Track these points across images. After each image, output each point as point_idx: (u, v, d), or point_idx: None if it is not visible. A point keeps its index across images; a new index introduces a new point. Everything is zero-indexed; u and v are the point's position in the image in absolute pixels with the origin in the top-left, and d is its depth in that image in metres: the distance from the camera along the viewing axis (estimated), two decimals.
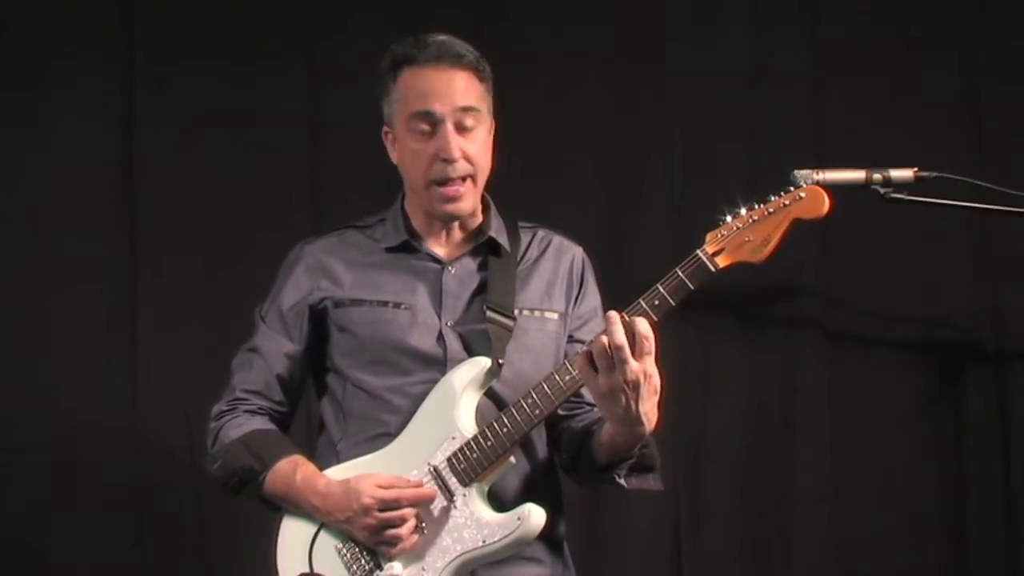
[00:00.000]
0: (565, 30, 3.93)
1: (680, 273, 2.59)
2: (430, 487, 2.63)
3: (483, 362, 2.67)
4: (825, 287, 3.89)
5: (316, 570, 2.68)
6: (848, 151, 3.77)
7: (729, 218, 2.63)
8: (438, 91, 2.71)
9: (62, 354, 3.76)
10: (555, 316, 2.81)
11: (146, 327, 3.79)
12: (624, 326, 2.47)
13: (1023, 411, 3.80)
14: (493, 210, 2.85)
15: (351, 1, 3.92)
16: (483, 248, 2.82)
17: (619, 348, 2.45)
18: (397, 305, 2.76)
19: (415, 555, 2.63)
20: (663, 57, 3.94)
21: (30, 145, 3.79)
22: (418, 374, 2.72)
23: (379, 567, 2.64)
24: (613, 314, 2.49)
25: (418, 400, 2.69)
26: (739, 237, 2.62)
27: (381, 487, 2.61)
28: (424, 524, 2.63)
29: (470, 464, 2.62)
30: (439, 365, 2.71)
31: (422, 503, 2.62)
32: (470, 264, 2.81)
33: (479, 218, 2.84)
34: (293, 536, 2.72)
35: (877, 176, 3.04)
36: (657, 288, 2.58)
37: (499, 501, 2.65)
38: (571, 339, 2.82)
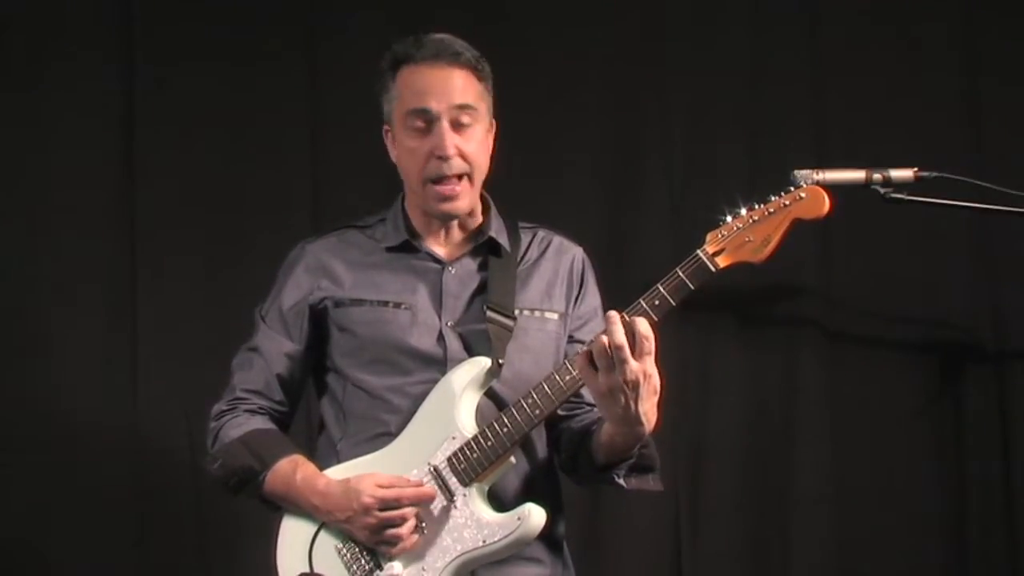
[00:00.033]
0: (565, 30, 3.93)
1: (680, 273, 2.59)
2: (430, 487, 2.63)
3: (483, 362, 2.68)
4: (825, 287, 3.89)
5: (316, 570, 2.68)
6: (848, 151, 3.77)
7: (729, 218, 2.63)
8: (435, 89, 2.71)
9: (62, 354, 3.77)
10: (555, 316, 2.81)
11: (146, 327, 3.79)
12: (624, 326, 2.47)
13: (1023, 411, 3.80)
14: (493, 210, 2.86)
15: (351, 1, 3.92)
16: (483, 248, 2.82)
17: (619, 348, 2.45)
18: (397, 305, 2.76)
19: (415, 555, 2.63)
20: (663, 57, 3.94)
21: (30, 145, 3.79)
22: (418, 374, 2.72)
23: (379, 567, 2.64)
24: (613, 314, 2.50)
25: (418, 400, 2.69)
26: (739, 237, 2.62)
27: (381, 486, 2.61)
28: (424, 524, 2.63)
29: (470, 464, 2.62)
30: (439, 365, 2.71)
31: (422, 503, 2.62)
32: (470, 264, 2.81)
33: (479, 218, 2.84)
34: (293, 536, 2.72)
35: (877, 176, 3.04)
36: (657, 288, 2.58)
37: (499, 501, 2.65)
38: (571, 339, 2.83)
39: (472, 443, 2.62)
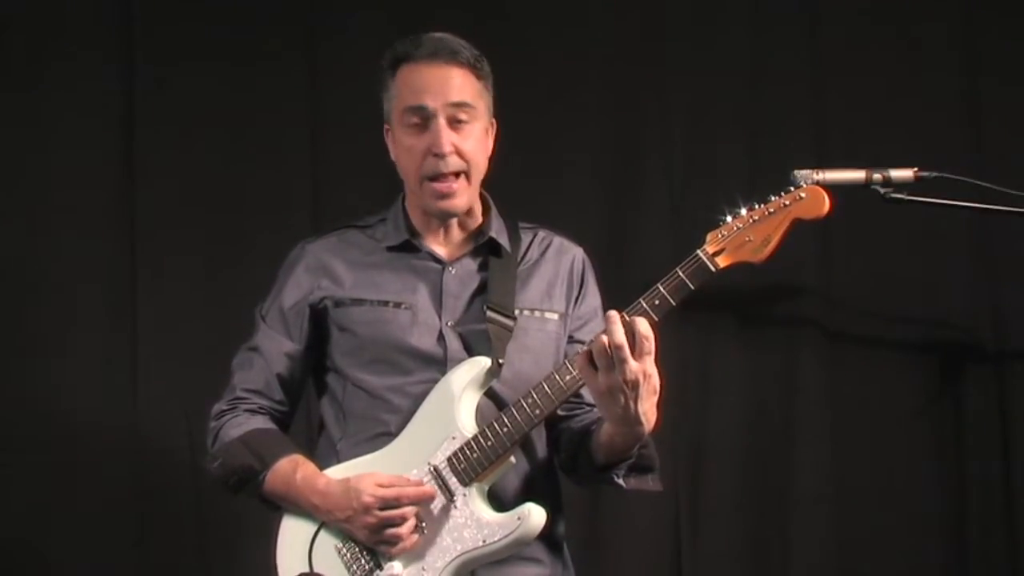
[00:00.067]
0: (565, 30, 3.93)
1: (680, 273, 2.59)
2: (430, 486, 2.63)
3: (483, 362, 2.68)
4: (825, 287, 3.89)
5: (316, 570, 2.68)
6: (848, 151, 3.77)
7: (729, 218, 2.63)
8: (432, 86, 2.71)
9: (62, 354, 3.76)
10: (555, 316, 2.81)
11: (146, 327, 3.79)
12: (624, 326, 2.47)
13: (1023, 411, 3.80)
14: (494, 211, 2.86)
15: (351, 1, 3.92)
16: (484, 248, 2.82)
17: (619, 347, 2.45)
18: (397, 305, 2.76)
19: (415, 555, 2.63)
20: (663, 57, 3.94)
21: (30, 145, 3.79)
22: (418, 374, 2.72)
23: (379, 567, 2.64)
24: (613, 313, 2.50)
25: (418, 400, 2.69)
26: (739, 237, 2.62)
27: (381, 486, 2.61)
28: (424, 524, 2.63)
29: (470, 464, 2.62)
30: (439, 365, 2.71)
31: (422, 502, 2.62)
32: (470, 264, 2.81)
33: (479, 218, 2.84)
34: (293, 535, 2.72)
35: (877, 176, 3.04)
36: (657, 288, 2.58)
37: (499, 501, 2.65)
38: (571, 339, 2.83)
39: (472, 443, 2.62)
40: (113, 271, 3.81)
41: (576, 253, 2.89)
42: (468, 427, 2.64)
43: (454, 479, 2.62)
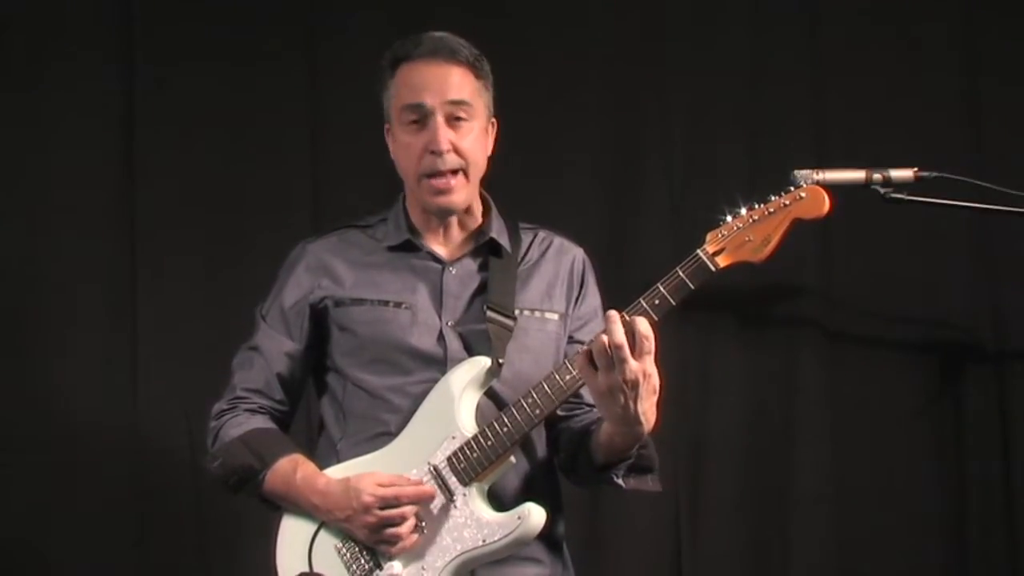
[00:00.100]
0: (565, 30, 3.93)
1: (680, 273, 2.59)
2: (430, 486, 2.63)
3: (483, 362, 2.68)
4: (825, 287, 3.88)
5: (316, 569, 2.68)
6: (848, 151, 3.77)
7: (729, 218, 2.63)
8: (430, 84, 2.72)
9: (62, 354, 3.77)
10: (555, 317, 2.81)
11: (146, 327, 3.79)
12: (624, 325, 2.47)
13: (1023, 411, 3.80)
14: (494, 211, 2.86)
15: (351, 1, 3.92)
16: (484, 249, 2.82)
17: (618, 347, 2.45)
18: (398, 304, 2.76)
19: (415, 554, 2.62)
20: (663, 57, 3.93)
21: (30, 145, 3.79)
22: (418, 374, 2.72)
23: (379, 566, 2.64)
24: (613, 313, 2.50)
25: (418, 400, 2.69)
26: (739, 237, 2.62)
27: (381, 485, 2.61)
28: (424, 523, 2.63)
29: (470, 463, 2.62)
30: (439, 365, 2.71)
31: (422, 501, 2.62)
32: (471, 265, 2.81)
33: (480, 219, 2.84)
34: (293, 535, 2.72)
35: (877, 176, 3.04)
36: (657, 288, 2.58)
37: (499, 500, 2.65)
38: (571, 340, 2.83)
39: (472, 443, 2.62)
40: (113, 271, 3.81)
41: (576, 253, 2.89)
42: (468, 427, 2.64)
43: (454, 479, 2.62)
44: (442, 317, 2.76)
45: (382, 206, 2.91)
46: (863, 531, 3.80)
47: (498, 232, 2.83)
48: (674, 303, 2.58)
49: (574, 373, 2.58)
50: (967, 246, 3.86)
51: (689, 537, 3.83)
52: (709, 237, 2.62)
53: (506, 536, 2.58)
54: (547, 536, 2.68)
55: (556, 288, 2.84)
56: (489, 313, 2.74)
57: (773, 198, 2.64)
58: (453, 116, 2.72)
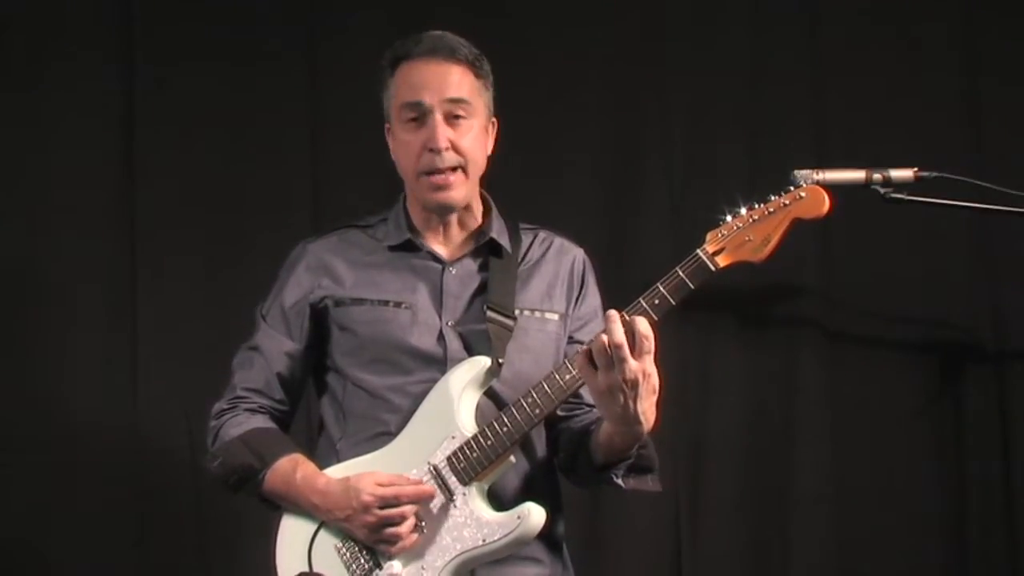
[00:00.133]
0: (565, 30, 3.93)
1: (680, 272, 2.60)
2: (430, 485, 2.63)
3: (483, 361, 2.68)
4: (825, 287, 3.88)
5: (315, 569, 2.68)
6: (848, 151, 3.77)
7: (729, 217, 2.63)
8: (428, 82, 2.72)
9: (62, 354, 3.76)
10: (555, 317, 2.81)
11: (146, 327, 3.79)
12: (624, 325, 2.47)
13: (1023, 411, 3.80)
14: (495, 212, 2.86)
15: (351, 1, 3.92)
16: (484, 249, 2.82)
17: (618, 346, 2.45)
18: (398, 304, 2.76)
19: (414, 554, 2.62)
20: (663, 57, 3.93)
21: (30, 145, 3.79)
22: (418, 373, 2.72)
23: (378, 566, 2.64)
24: (613, 313, 2.50)
25: (418, 399, 2.69)
26: (739, 236, 2.62)
27: (381, 485, 2.61)
28: (424, 523, 2.63)
29: (470, 463, 2.62)
30: (439, 364, 2.72)
31: (422, 501, 2.62)
32: (471, 265, 2.81)
33: (480, 219, 2.84)
34: (292, 535, 2.72)
35: (877, 176, 3.05)
36: (657, 287, 2.58)
37: (499, 500, 2.65)
38: (571, 340, 2.83)
39: (472, 442, 2.62)
40: (113, 271, 3.81)
41: (577, 254, 2.89)
42: (468, 426, 2.64)
43: (454, 478, 2.62)
44: (442, 317, 2.76)
45: (382, 206, 2.91)
46: (863, 531, 3.80)
47: (498, 232, 2.83)
48: (674, 303, 2.58)
49: (574, 372, 2.58)
50: (967, 246, 3.86)
51: (689, 537, 3.83)
52: (709, 237, 2.62)
53: (506, 536, 2.58)
54: (547, 536, 2.68)
55: (556, 288, 2.84)
56: (489, 313, 2.74)
57: (773, 198, 2.64)
58: (452, 114, 2.72)
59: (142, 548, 3.74)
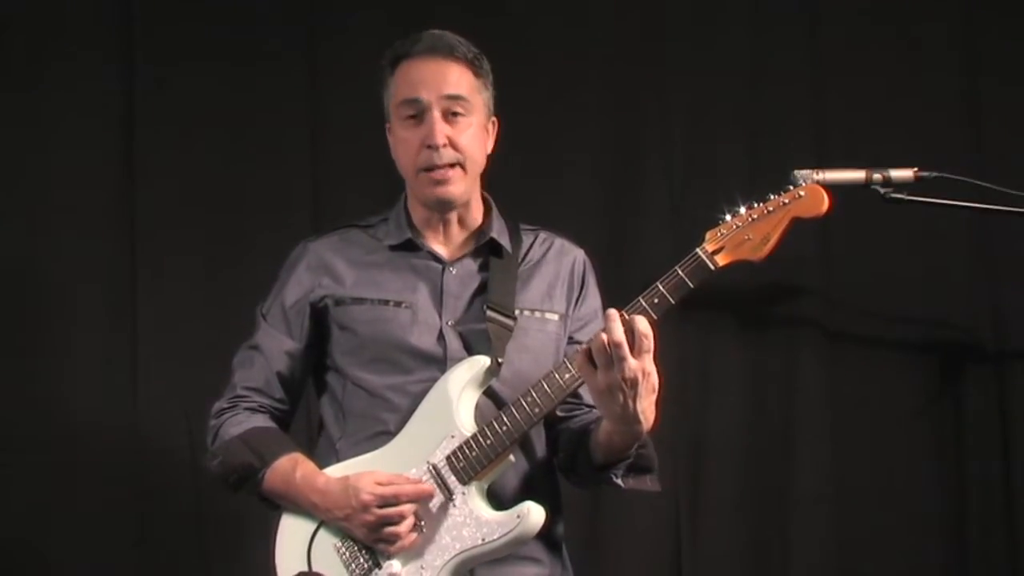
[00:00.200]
0: (565, 30, 3.93)
1: (679, 271, 2.60)
2: (429, 484, 2.63)
3: (482, 361, 2.68)
4: (825, 287, 3.88)
5: (315, 568, 2.68)
6: (848, 151, 3.77)
7: (728, 217, 2.64)
8: (427, 80, 2.73)
9: (62, 354, 3.76)
10: (555, 317, 2.81)
11: (146, 327, 3.79)
12: (623, 323, 2.47)
13: (1023, 411, 3.80)
14: (495, 212, 2.86)
15: (351, 1, 3.92)
16: (484, 249, 2.82)
17: (617, 345, 2.45)
18: (398, 304, 2.77)
19: (414, 553, 2.62)
20: (663, 57, 3.93)
21: (30, 145, 3.78)
22: (418, 373, 2.72)
23: (378, 565, 2.64)
24: (612, 311, 2.50)
25: (418, 399, 2.70)
26: (738, 235, 2.62)
27: (380, 484, 2.61)
28: (423, 522, 2.63)
29: (469, 462, 2.62)
30: (439, 364, 2.72)
31: (421, 500, 2.62)
32: (471, 265, 2.82)
33: (480, 219, 2.84)
34: (292, 534, 2.72)
35: (877, 176, 3.05)
36: (656, 286, 2.59)
37: (498, 500, 2.65)
38: (571, 340, 2.83)
39: (471, 441, 2.62)
40: (113, 271, 3.81)
41: (577, 255, 2.90)
42: (467, 426, 2.64)
43: (453, 478, 2.62)
44: (442, 316, 2.76)
45: (382, 206, 2.91)
46: (863, 531, 3.80)
47: (499, 232, 2.83)
48: (673, 302, 2.59)
49: (573, 372, 2.59)
50: (967, 246, 3.86)
51: (689, 537, 3.82)
52: (708, 236, 2.63)
53: (505, 535, 2.58)
54: (546, 536, 2.68)
55: (556, 289, 2.84)
56: (489, 313, 2.74)
57: (772, 197, 2.64)
58: (450, 111, 2.73)
59: (142, 548, 3.73)
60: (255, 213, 3.83)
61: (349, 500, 2.62)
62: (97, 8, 3.84)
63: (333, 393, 2.81)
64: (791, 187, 2.66)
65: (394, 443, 2.69)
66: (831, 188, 2.68)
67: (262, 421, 2.78)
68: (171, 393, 3.73)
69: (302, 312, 2.82)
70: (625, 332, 2.46)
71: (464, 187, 2.76)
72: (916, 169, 3.06)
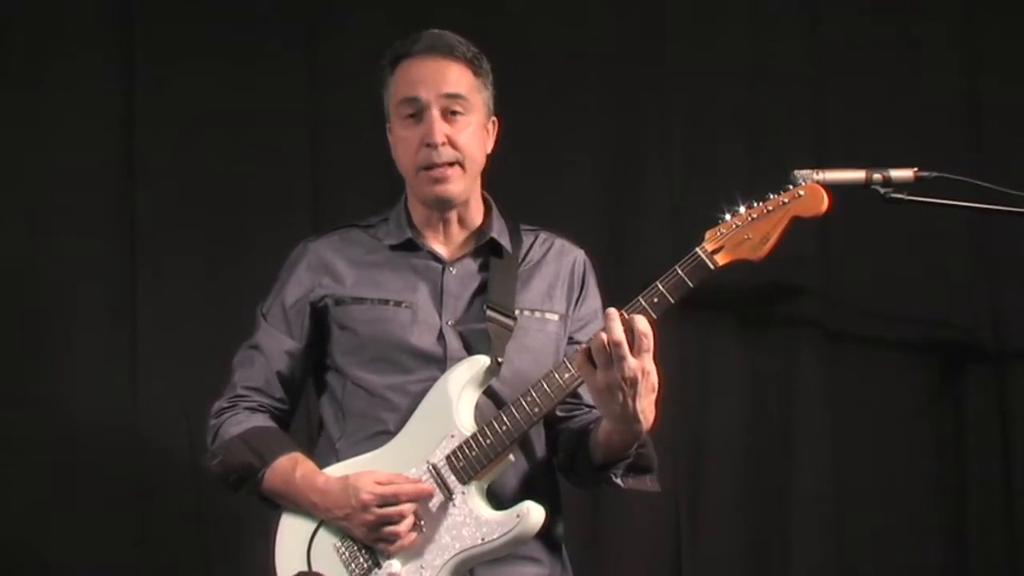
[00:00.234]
0: (565, 30, 3.93)
1: (679, 271, 2.60)
2: (429, 484, 2.63)
3: (482, 360, 2.68)
4: (825, 287, 3.88)
5: (314, 568, 2.68)
6: (848, 151, 3.77)
7: (728, 216, 2.64)
8: (426, 78, 2.73)
9: (62, 354, 3.76)
10: (555, 317, 2.81)
11: (146, 327, 3.79)
12: (623, 323, 2.47)
13: (1023, 411, 3.80)
14: (495, 212, 2.86)
15: (351, 1, 3.92)
16: (485, 249, 2.82)
17: (617, 344, 2.45)
18: (398, 303, 2.77)
19: (413, 553, 2.62)
20: (663, 57, 3.93)
21: (30, 145, 3.79)
22: (418, 372, 2.72)
23: (377, 565, 2.64)
24: (612, 311, 2.50)
25: (418, 398, 2.70)
26: (738, 235, 2.62)
27: (380, 483, 2.61)
28: (423, 522, 2.63)
29: (469, 462, 2.62)
30: (439, 363, 2.72)
31: (421, 499, 2.62)
32: (471, 265, 2.82)
33: (481, 219, 2.84)
34: (291, 534, 2.72)
35: (877, 176, 3.05)
36: (656, 286, 2.59)
37: (498, 499, 2.65)
38: (571, 341, 2.83)
39: (471, 441, 2.62)
40: (113, 271, 3.81)
41: (577, 255, 2.90)
42: (467, 425, 2.64)
43: (453, 477, 2.62)
44: (442, 316, 2.76)
45: (382, 206, 2.91)
46: (863, 531, 3.80)
47: (499, 232, 2.83)
48: (673, 301, 2.59)
49: (573, 371, 2.59)
50: (967, 246, 3.86)
51: (689, 537, 3.82)
52: (708, 235, 2.63)
53: (505, 534, 2.58)
54: (546, 535, 2.69)
55: (557, 289, 2.84)
56: (489, 313, 2.74)
57: (772, 196, 2.64)
58: (449, 110, 2.73)
59: (142, 548, 3.73)
60: (255, 213, 3.83)
61: (349, 499, 2.62)
62: (97, 8, 3.84)
63: (333, 393, 2.81)
64: (791, 187, 2.66)
65: (394, 443, 2.69)
66: (831, 188, 2.68)
67: (262, 421, 2.79)
68: (171, 393, 3.73)
69: (302, 312, 2.82)
70: (625, 331, 2.46)
71: (463, 185, 2.76)
72: (916, 169, 3.06)
